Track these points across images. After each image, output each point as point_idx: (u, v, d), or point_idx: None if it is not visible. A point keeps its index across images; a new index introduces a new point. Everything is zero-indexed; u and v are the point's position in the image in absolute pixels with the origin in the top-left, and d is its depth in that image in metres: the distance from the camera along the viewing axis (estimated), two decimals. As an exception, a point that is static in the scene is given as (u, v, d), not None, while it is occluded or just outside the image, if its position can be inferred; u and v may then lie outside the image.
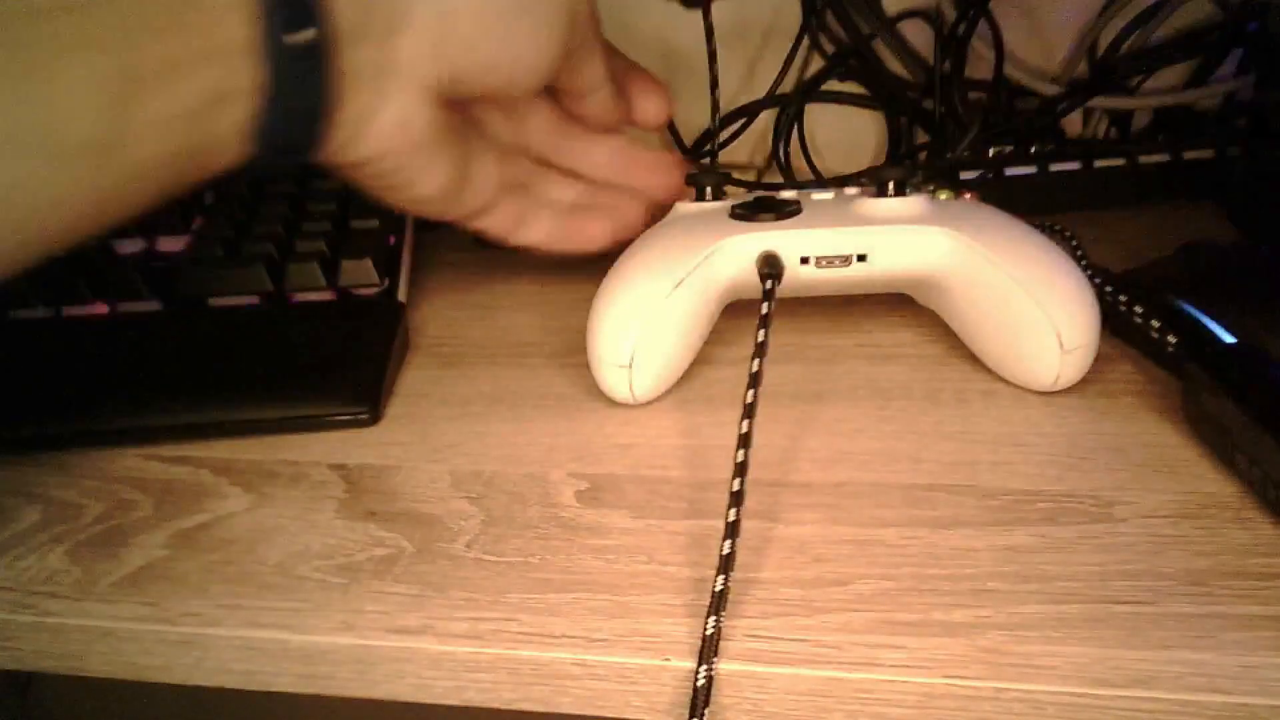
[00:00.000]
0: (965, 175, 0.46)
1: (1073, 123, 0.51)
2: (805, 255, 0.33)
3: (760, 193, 0.36)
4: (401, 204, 0.34)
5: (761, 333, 0.30)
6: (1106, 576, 0.25)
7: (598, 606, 0.25)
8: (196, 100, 0.25)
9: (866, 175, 0.34)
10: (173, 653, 0.26)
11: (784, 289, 0.33)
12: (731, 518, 0.26)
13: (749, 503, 0.28)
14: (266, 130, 0.28)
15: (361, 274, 0.38)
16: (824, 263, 0.33)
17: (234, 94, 0.26)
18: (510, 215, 0.37)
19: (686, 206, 0.36)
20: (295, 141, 0.29)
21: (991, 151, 0.47)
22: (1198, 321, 0.33)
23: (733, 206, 0.34)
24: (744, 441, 0.27)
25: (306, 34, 0.27)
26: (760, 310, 0.31)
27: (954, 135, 0.48)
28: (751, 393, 0.28)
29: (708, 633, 0.23)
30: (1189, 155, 0.45)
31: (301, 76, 0.28)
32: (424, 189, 0.33)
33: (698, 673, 0.23)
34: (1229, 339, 0.31)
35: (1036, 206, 0.45)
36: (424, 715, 0.31)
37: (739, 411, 0.28)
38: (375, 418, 0.33)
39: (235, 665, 0.26)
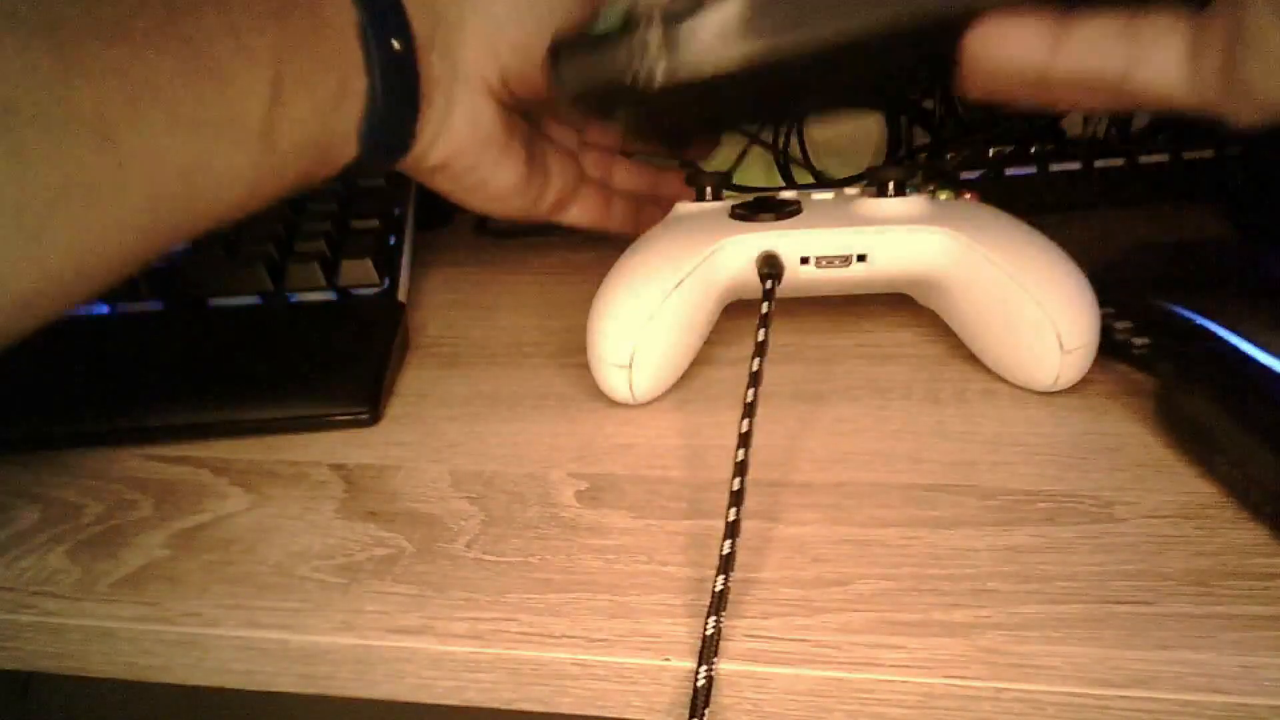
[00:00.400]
0: (965, 175, 0.46)
1: (1073, 122, 0.51)
2: (805, 255, 0.33)
3: (760, 193, 0.36)
4: (486, 205, 0.38)
5: (762, 332, 0.30)
6: (1107, 577, 0.25)
7: (598, 606, 0.25)
8: (324, 101, 0.30)
9: (867, 175, 0.33)
10: (173, 653, 0.26)
11: (784, 289, 0.33)
12: (731, 517, 0.26)
13: (749, 503, 0.28)
14: (372, 129, 0.32)
15: (361, 274, 0.38)
16: (824, 263, 0.33)
17: (351, 96, 0.31)
18: (595, 203, 0.40)
19: (686, 206, 0.36)
20: (393, 141, 0.33)
21: (991, 152, 0.46)
22: (1180, 319, 0.33)
23: (733, 207, 0.34)
24: (744, 441, 0.27)
25: (399, 43, 0.32)
26: (760, 310, 0.31)
27: (954, 135, 0.48)
28: (751, 392, 0.28)
29: (708, 633, 0.23)
30: (1189, 155, 0.45)
31: (396, 80, 0.32)
32: (499, 184, 0.37)
33: (698, 673, 0.23)
34: (1215, 329, 0.31)
35: (1036, 207, 0.45)
36: (424, 715, 0.31)
37: (739, 411, 0.28)
38: (375, 418, 0.33)
39: (235, 665, 0.26)
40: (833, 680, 0.23)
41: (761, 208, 0.34)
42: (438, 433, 0.33)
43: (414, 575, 0.27)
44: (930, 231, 0.33)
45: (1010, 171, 0.46)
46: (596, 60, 0.30)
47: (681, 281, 0.32)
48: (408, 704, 0.26)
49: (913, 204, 0.34)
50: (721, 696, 0.24)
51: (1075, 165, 0.45)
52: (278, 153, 0.29)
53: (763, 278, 0.32)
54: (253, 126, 0.28)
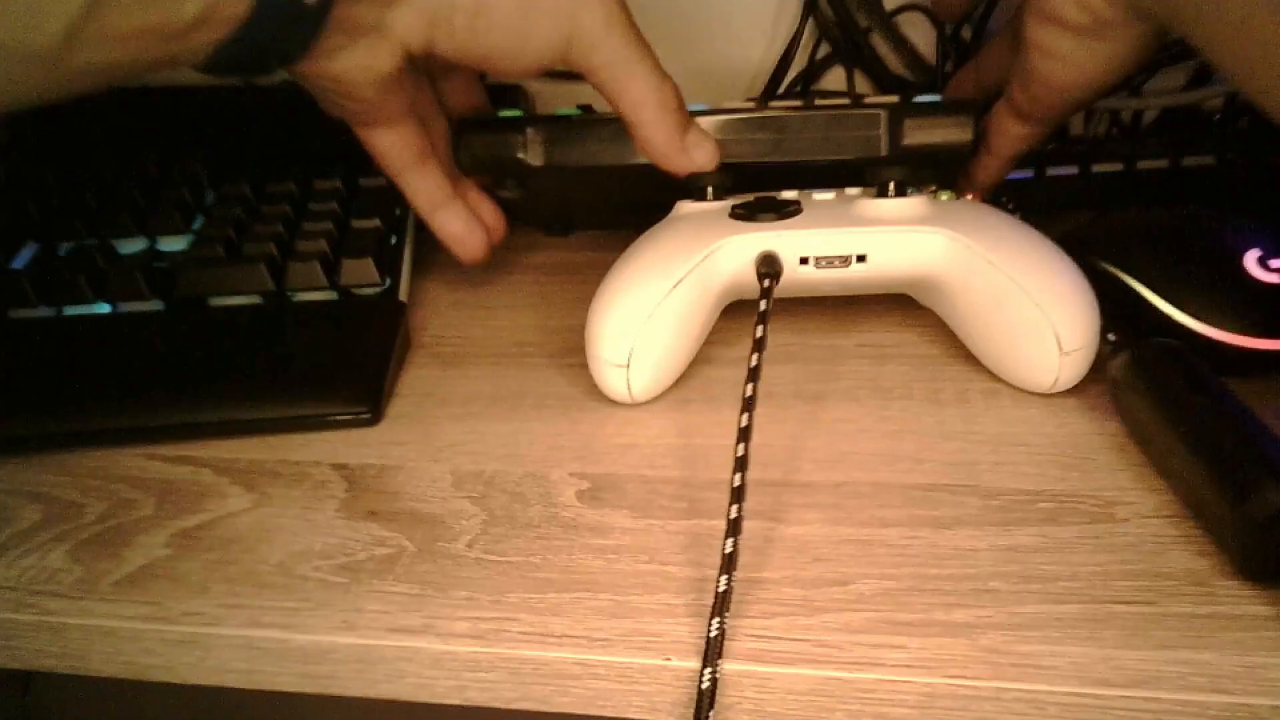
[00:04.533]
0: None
1: (1073, 122, 0.51)
2: (805, 255, 0.33)
3: (761, 193, 0.36)
4: (334, 112, 0.35)
5: (760, 328, 0.30)
6: (1108, 576, 0.25)
7: (599, 606, 0.25)
8: (171, 22, 0.25)
9: (873, 172, 0.34)
10: (174, 652, 0.26)
11: (783, 289, 0.33)
12: (733, 515, 0.26)
13: (751, 503, 0.28)
14: (225, 58, 0.28)
15: (363, 273, 0.38)
16: (823, 263, 0.33)
17: (213, 23, 0.26)
18: (417, 144, 0.37)
19: (687, 205, 0.36)
20: (252, 68, 0.29)
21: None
22: (1111, 277, 0.34)
23: (733, 206, 0.34)
24: (744, 435, 0.27)
25: None
26: (759, 307, 0.31)
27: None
28: (750, 386, 0.29)
29: (712, 634, 0.23)
30: (1188, 161, 0.45)
31: (290, 21, 0.28)
32: (357, 107, 0.34)
33: (702, 675, 0.23)
34: (1162, 304, 0.33)
35: (1035, 209, 0.45)
36: (425, 715, 0.31)
37: (740, 409, 0.28)
38: (376, 417, 0.33)
39: (236, 665, 0.26)
40: (834, 680, 0.23)
41: (761, 208, 0.34)
42: (439, 432, 0.33)
43: (415, 575, 0.27)
44: (929, 232, 0.33)
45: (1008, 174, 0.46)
46: (493, 140, 0.37)
47: (680, 281, 0.32)
48: (409, 703, 0.26)
49: (913, 205, 0.33)
50: (723, 696, 0.24)
51: (1073, 170, 0.45)
52: (76, 71, 0.25)
53: (760, 275, 0.32)
54: (36, 50, 0.23)
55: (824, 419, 0.32)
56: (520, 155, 0.37)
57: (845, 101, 0.37)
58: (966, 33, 0.48)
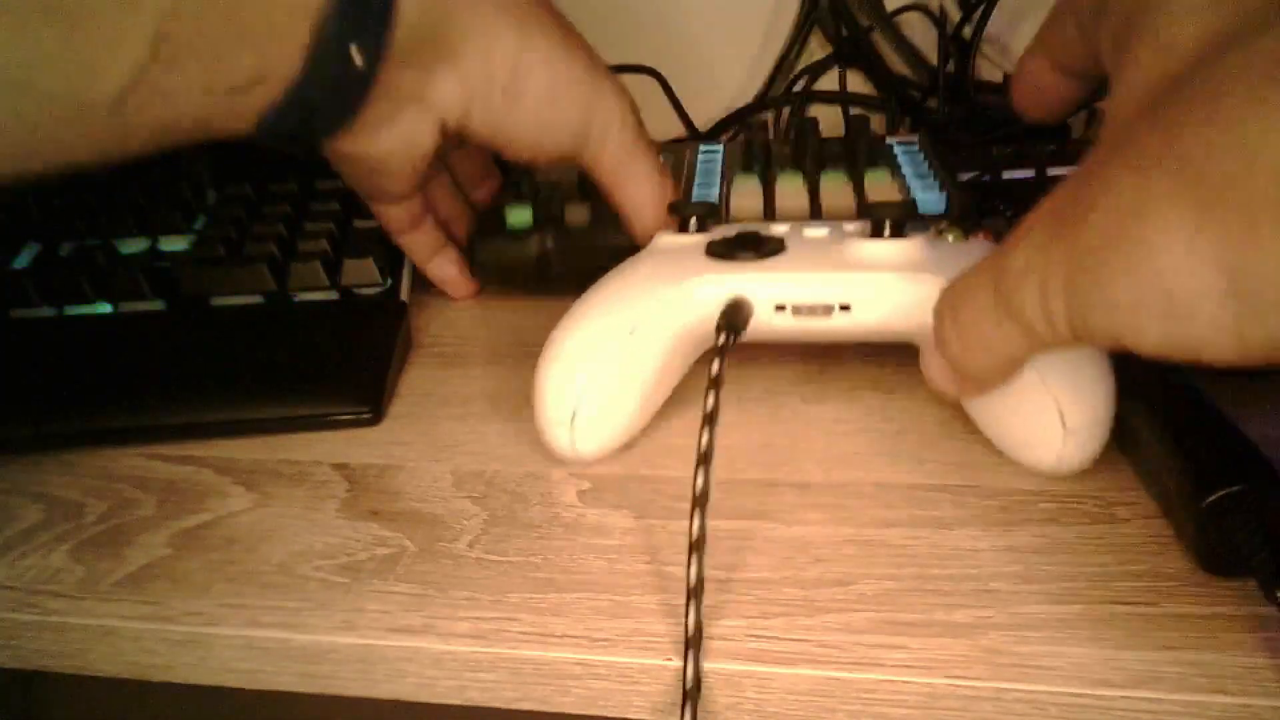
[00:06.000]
0: (1010, 174, 0.45)
1: (1074, 122, 0.51)
2: (781, 303, 0.29)
3: (745, 226, 0.32)
4: (363, 191, 0.37)
5: (711, 397, 0.26)
6: (1109, 577, 0.25)
7: (600, 606, 0.25)
8: (220, 80, 0.26)
9: (865, 210, 0.30)
10: (175, 652, 0.26)
11: (759, 337, 0.30)
12: (693, 569, 0.24)
13: (751, 502, 0.28)
14: (279, 119, 0.28)
15: (364, 273, 0.38)
16: (802, 311, 0.29)
17: (267, 82, 0.27)
18: (420, 209, 0.38)
19: (666, 238, 0.33)
20: (299, 132, 0.29)
21: (995, 152, 0.46)
22: None
23: (709, 242, 0.31)
24: (696, 546, 0.24)
25: (360, 54, 0.28)
26: (710, 370, 0.27)
27: (960, 137, 0.48)
28: (702, 473, 0.25)
29: (689, 633, 0.23)
30: None
31: (339, 86, 0.28)
32: (390, 187, 0.35)
33: (685, 674, 0.23)
34: None
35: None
36: (426, 715, 0.31)
37: (742, 411, 0.28)
38: (378, 417, 0.33)
39: (237, 664, 0.26)
40: (835, 680, 0.23)
41: (741, 244, 0.30)
42: (440, 432, 0.33)
43: (416, 575, 0.27)
44: (923, 281, 0.28)
45: (1008, 175, 0.46)
46: (509, 249, 0.39)
47: (636, 328, 0.29)
48: (409, 703, 0.26)
49: (909, 247, 0.29)
50: (723, 696, 0.24)
51: (1074, 170, 0.45)
52: (127, 125, 0.25)
53: (719, 330, 0.28)
54: (98, 98, 0.24)
55: (825, 418, 0.32)
56: (537, 259, 0.39)
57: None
58: (967, 32, 0.48)
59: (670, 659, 0.24)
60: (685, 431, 0.32)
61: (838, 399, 0.33)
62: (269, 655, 0.26)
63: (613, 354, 0.29)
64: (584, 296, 0.31)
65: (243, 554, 0.28)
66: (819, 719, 0.24)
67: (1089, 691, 0.22)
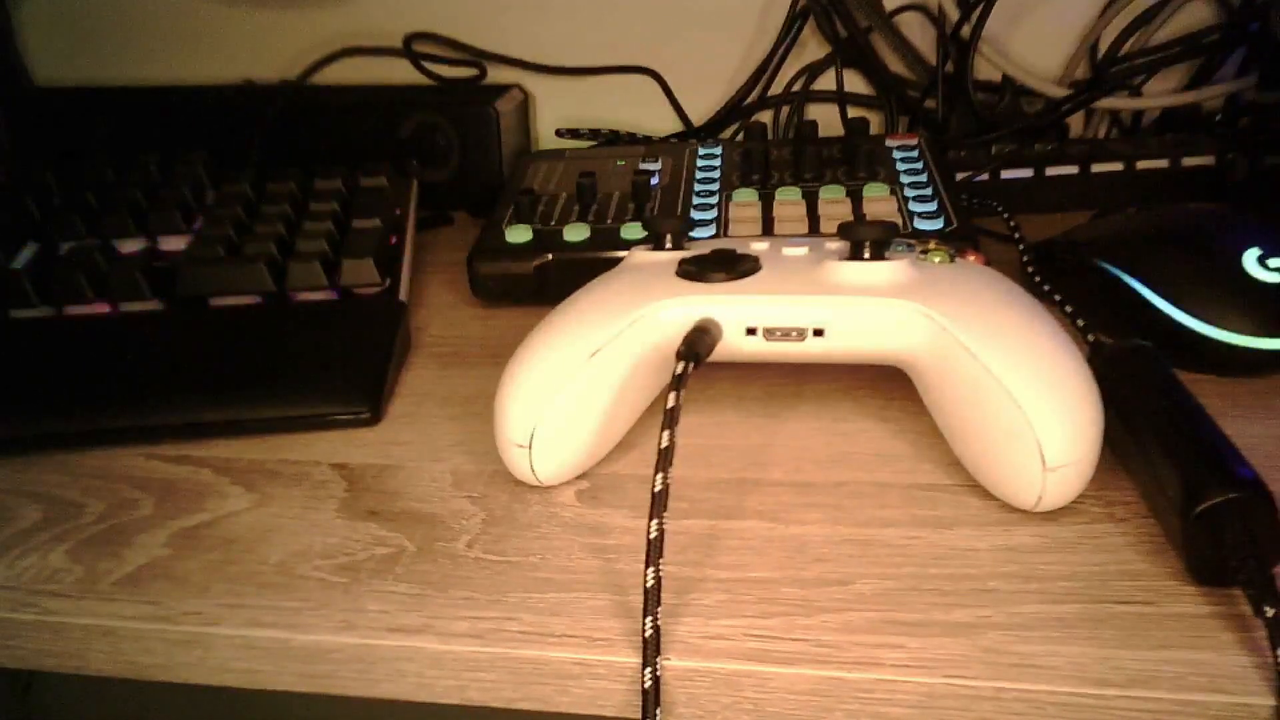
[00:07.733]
0: (961, 175, 0.46)
1: (1073, 121, 0.51)
2: (752, 325, 0.28)
3: (722, 243, 0.31)
4: None
5: (666, 435, 0.25)
6: (1107, 577, 0.25)
7: (598, 606, 0.25)
8: None
9: (843, 230, 0.29)
10: (174, 651, 0.26)
11: (730, 358, 0.29)
12: (650, 577, 0.24)
13: (751, 502, 0.28)
14: None
15: (363, 273, 0.38)
16: (775, 335, 0.28)
17: None
18: None
19: (639, 255, 0.32)
20: None
21: (994, 151, 0.47)
22: (1104, 272, 0.34)
23: (681, 261, 0.30)
24: (655, 546, 0.24)
25: None
26: (666, 401, 0.25)
27: (957, 136, 0.48)
28: (656, 524, 0.24)
29: (647, 634, 0.23)
30: (1188, 161, 0.45)
31: None
32: None
33: (644, 674, 0.23)
34: (1154, 299, 0.32)
35: (1035, 209, 0.46)
36: (425, 714, 0.31)
37: (740, 412, 0.28)
38: (377, 417, 0.33)
39: (236, 664, 0.26)
40: (833, 680, 0.23)
41: (714, 264, 0.29)
42: (439, 432, 0.33)
43: (415, 574, 0.27)
44: (899, 306, 0.27)
45: (1007, 175, 0.46)
46: (508, 265, 0.40)
47: (599, 350, 0.28)
48: (409, 703, 0.26)
49: (888, 270, 0.28)
50: (723, 696, 0.24)
51: (1073, 170, 0.45)
52: None
53: (679, 357, 0.27)
54: None
55: (824, 418, 0.32)
56: (536, 275, 0.39)
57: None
58: (966, 32, 0.48)
59: (669, 658, 0.24)
60: (684, 431, 0.32)
61: (837, 399, 0.33)
62: (268, 655, 0.26)
63: (572, 378, 0.28)
64: (549, 316, 0.30)
65: (242, 554, 0.28)
66: (817, 718, 0.24)
67: (1087, 691, 0.22)
